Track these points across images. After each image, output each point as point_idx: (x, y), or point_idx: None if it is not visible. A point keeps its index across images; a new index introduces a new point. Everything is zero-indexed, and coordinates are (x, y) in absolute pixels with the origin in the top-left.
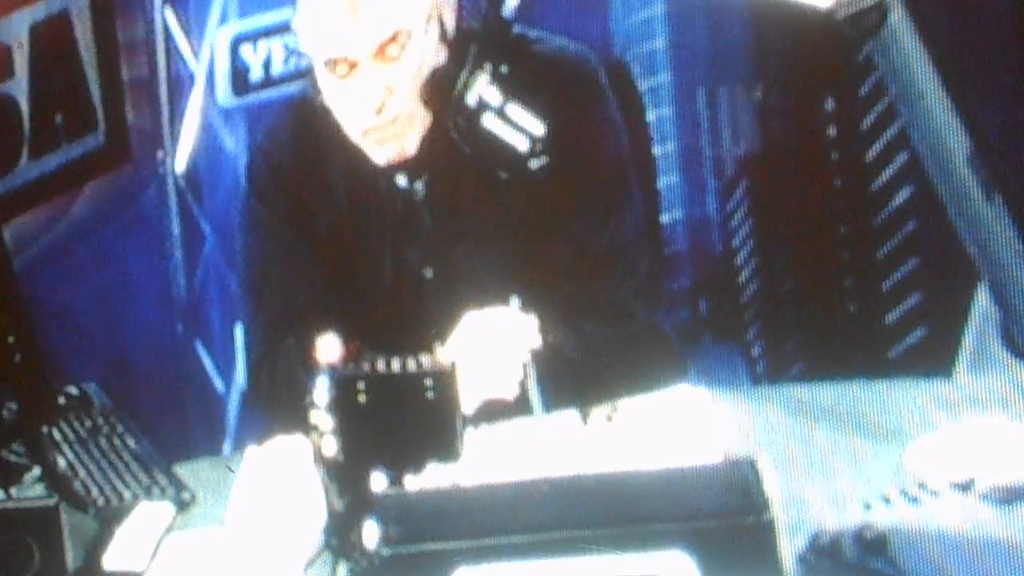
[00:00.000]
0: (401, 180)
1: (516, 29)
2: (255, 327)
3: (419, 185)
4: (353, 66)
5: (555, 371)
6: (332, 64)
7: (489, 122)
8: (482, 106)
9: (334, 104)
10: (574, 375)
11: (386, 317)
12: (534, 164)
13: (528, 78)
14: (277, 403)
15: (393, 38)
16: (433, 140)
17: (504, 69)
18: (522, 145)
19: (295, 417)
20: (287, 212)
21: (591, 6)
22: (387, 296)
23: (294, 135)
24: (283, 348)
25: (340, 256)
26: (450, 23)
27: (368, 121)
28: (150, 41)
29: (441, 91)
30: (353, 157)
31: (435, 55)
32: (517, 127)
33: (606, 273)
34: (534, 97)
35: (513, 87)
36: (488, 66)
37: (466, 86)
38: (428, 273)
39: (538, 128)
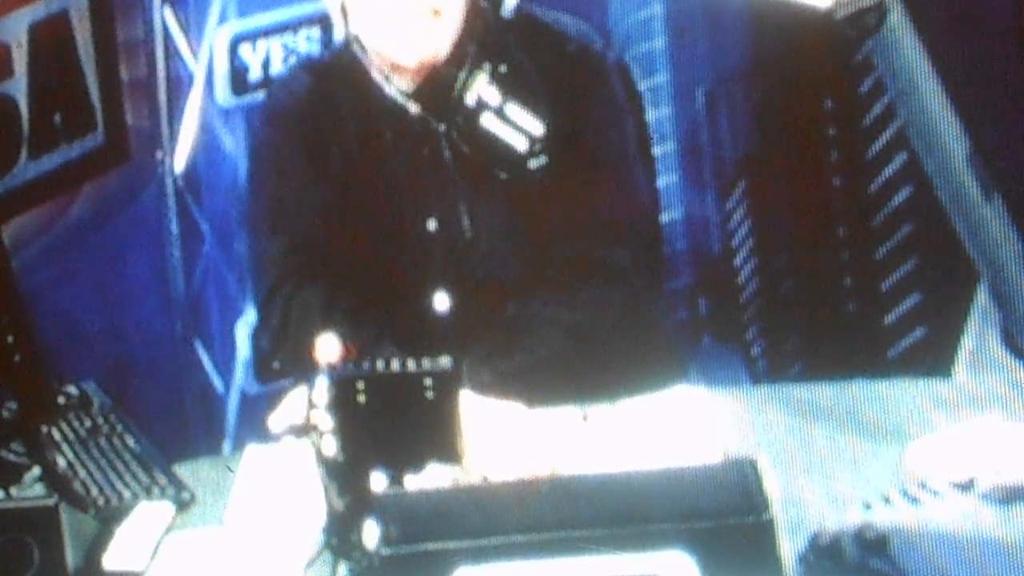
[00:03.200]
0: (416, 118)
1: (521, 11)
2: (266, 258)
3: (432, 125)
4: None
5: (551, 341)
6: None
7: (488, 122)
8: (481, 106)
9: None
10: (568, 342)
11: (388, 271)
12: (533, 164)
13: (533, 55)
14: (287, 339)
15: None
16: (435, 98)
17: (503, 69)
18: (521, 145)
19: (306, 354)
20: (302, 146)
21: (589, 6)
22: (389, 248)
23: (310, 83)
24: (292, 284)
25: (348, 204)
26: None
27: (415, 6)
28: (149, 41)
29: (440, 91)
30: (368, 107)
31: None
32: (516, 127)
33: (606, 236)
34: (537, 95)
35: (513, 86)
36: (487, 66)
37: (465, 86)
38: (431, 225)
39: (537, 128)
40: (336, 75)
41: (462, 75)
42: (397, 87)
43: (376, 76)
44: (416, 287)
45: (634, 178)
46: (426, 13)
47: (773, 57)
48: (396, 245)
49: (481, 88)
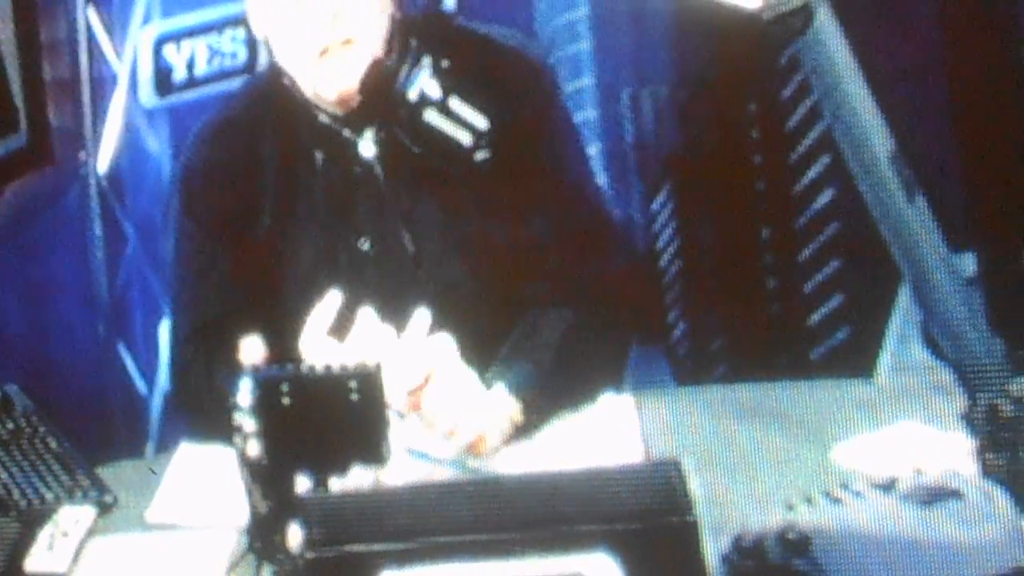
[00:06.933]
0: (340, 141)
1: (460, 22)
2: (173, 341)
3: (361, 147)
4: None
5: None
6: None
7: (431, 116)
8: (424, 100)
9: (288, 27)
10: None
11: (322, 295)
12: (478, 157)
13: (473, 70)
14: (193, 419)
15: None
16: (376, 93)
17: (445, 63)
18: (465, 139)
19: (213, 431)
20: (215, 223)
21: (516, 7)
22: (323, 272)
23: (221, 136)
24: (196, 364)
25: (276, 245)
26: None
27: (324, 37)
28: (72, 41)
29: (383, 85)
30: (297, 131)
31: None
32: (460, 121)
33: (572, 250)
34: (479, 89)
35: (456, 80)
36: (429, 60)
37: (408, 80)
38: (364, 245)
39: (481, 122)
40: (260, 104)
41: (404, 69)
42: (326, 108)
43: (305, 99)
44: (348, 309)
45: (585, 198)
46: (338, 43)
47: (697, 60)
48: (329, 268)
49: (424, 82)
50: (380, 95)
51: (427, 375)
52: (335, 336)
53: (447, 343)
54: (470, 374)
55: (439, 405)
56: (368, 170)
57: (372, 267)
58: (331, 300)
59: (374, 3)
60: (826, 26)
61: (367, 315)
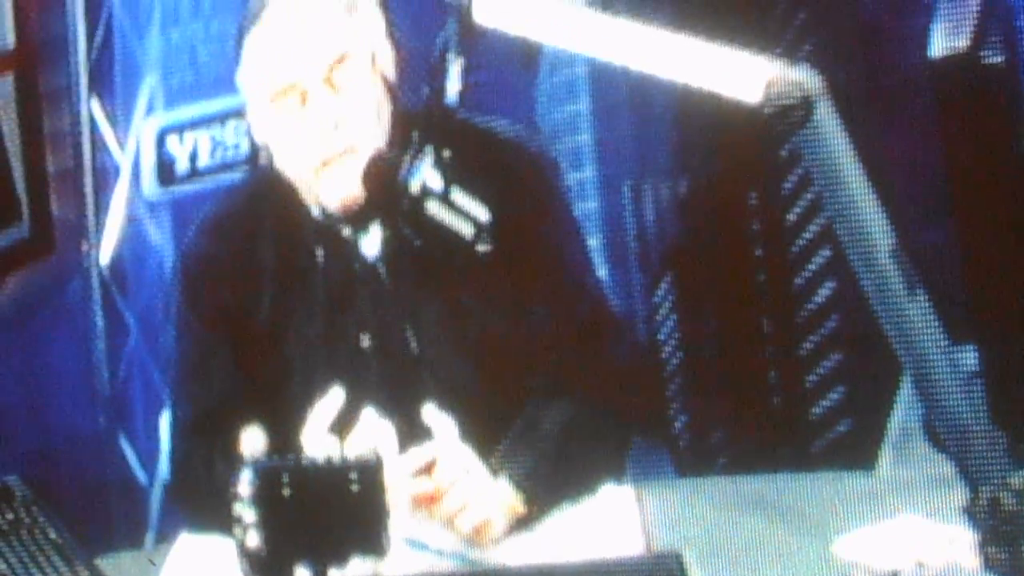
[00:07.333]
0: (341, 239)
1: (462, 115)
2: (174, 432)
3: (361, 243)
4: (304, 96)
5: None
6: (283, 93)
7: (433, 208)
8: (426, 192)
9: (290, 138)
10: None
11: (320, 393)
12: (480, 249)
13: (475, 162)
14: (193, 510)
15: (340, 60)
16: (378, 189)
17: (447, 154)
18: (467, 231)
19: (212, 523)
20: (215, 315)
21: (517, 100)
22: (323, 371)
23: (222, 229)
24: (196, 456)
25: (275, 340)
26: (389, 71)
27: (326, 148)
28: (76, 132)
29: (384, 180)
30: (297, 227)
31: (381, 99)
32: (462, 213)
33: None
34: (481, 181)
35: (457, 172)
36: (431, 151)
37: (409, 172)
38: (364, 342)
39: (483, 214)
40: (261, 198)
41: (406, 160)
42: (327, 207)
43: (305, 198)
44: (349, 406)
45: (586, 290)
46: (342, 152)
47: (698, 152)
48: (329, 364)
49: (426, 174)
50: (382, 191)
51: (433, 457)
52: (336, 434)
53: (449, 426)
54: (473, 456)
55: (446, 483)
56: (369, 267)
57: (372, 364)
58: (333, 397)
59: (374, 107)
60: (826, 119)
61: (370, 415)
